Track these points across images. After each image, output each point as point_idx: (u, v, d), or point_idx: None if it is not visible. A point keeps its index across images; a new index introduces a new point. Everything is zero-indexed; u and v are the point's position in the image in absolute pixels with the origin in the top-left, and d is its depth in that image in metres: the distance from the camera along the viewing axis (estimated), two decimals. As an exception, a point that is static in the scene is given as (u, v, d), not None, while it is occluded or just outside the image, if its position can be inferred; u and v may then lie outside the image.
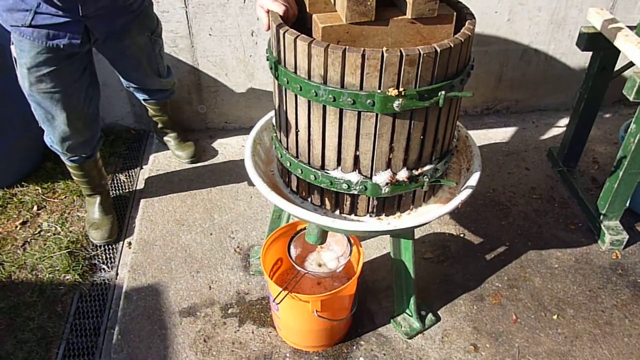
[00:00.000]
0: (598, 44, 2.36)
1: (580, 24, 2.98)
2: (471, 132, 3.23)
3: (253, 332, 2.09)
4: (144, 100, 2.72)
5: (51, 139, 2.21)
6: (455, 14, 1.49)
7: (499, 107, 3.36)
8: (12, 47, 1.95)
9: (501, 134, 3.21)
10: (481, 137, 3.18)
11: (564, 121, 3.28)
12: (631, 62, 2.15)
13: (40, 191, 2.72)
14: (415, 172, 1.60)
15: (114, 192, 2.75)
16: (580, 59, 3.16)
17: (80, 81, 2.09)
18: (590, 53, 2.51)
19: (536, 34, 3.04)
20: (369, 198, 1.66)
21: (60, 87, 2.02)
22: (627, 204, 2.49)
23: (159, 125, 2.92)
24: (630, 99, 2.03)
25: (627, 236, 2.43)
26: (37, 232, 2.52)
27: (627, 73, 2.31)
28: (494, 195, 2.75)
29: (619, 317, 2.17)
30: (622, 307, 2.21)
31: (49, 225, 2.55)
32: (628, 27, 2.23)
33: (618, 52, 2.27)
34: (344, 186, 1.59)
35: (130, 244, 2.47)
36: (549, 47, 3.10)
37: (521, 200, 2.72)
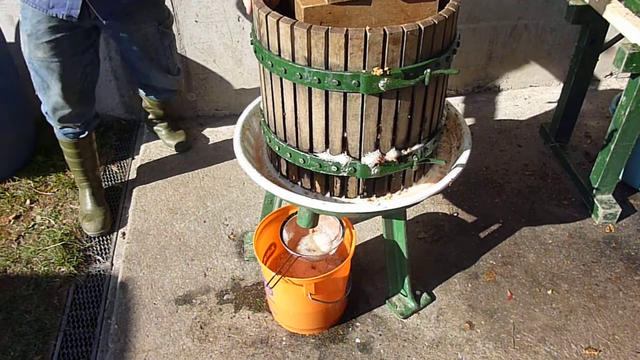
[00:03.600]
0: (587, 16, 2.34)
1: (569, -3, 2.95)
2: (462, 111, 3.20)
3: (249, 318, 2.10)
4: (147, 95, 2.66)
5: (45, 109, 2.23)
6: (439, -10, 1.48)
7: (490, 85, 3.34)
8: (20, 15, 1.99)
9: (493, 112, 3.20)
10: (473, 115, 3.17)
11: (556, 96, 3.26)
12: (620, 34, 2.13)
13: (32, 185, 2.71)
14: (404, 152, 1.60)
15: (106, 183, 2.74)
16: (570, 34, 3.13)
17: (81, 57, 2.11)
18: (580, 26, 2.49)
19: (525, 9, 3.01)
20: (358, 180, 1.65)
21: (58, 59, 2.04)
22: (620, 177, 2.49)
23: (150, 117, 2.90)
24: (620, 70, 2.02)
25: (620, 209, 2.43)
26: (30, 225, 2.52)
27: (616, 45, 2.29)
28: (486, 173, 2.75)
29: (613, 290, 2.19)
30: (616, 280, 2.22)
31: (42, 218, 2.55)
32: (616, -2, 2.21)
33: (607, 24, 2.26)
34: (333, 168, 1.58)
35: (124, 234, 2.47)
36: (538, 22, 3.08)
37: (514, 177, 2.72)
